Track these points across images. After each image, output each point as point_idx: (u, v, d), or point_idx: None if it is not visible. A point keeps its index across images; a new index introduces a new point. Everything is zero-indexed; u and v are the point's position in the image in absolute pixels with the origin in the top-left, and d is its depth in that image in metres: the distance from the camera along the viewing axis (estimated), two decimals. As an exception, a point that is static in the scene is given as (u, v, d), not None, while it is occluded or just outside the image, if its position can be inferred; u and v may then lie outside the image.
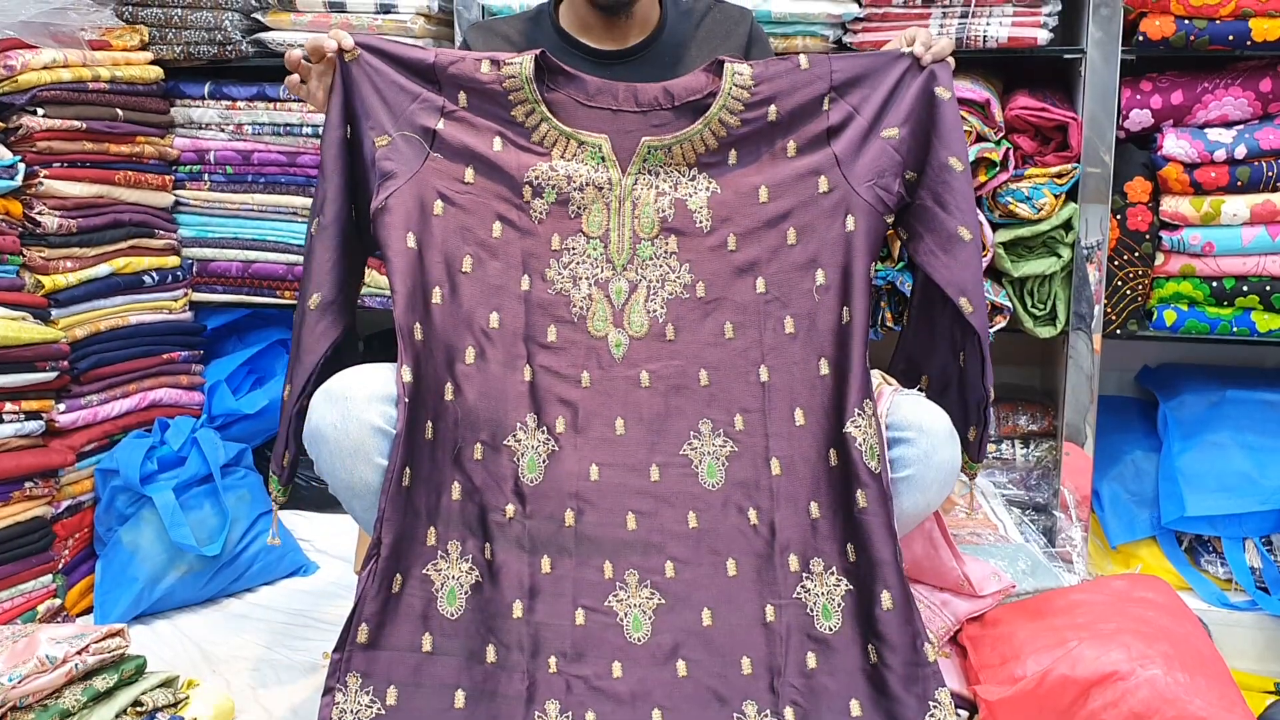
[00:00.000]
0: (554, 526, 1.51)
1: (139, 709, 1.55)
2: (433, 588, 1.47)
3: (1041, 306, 2.06)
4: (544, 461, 1.52)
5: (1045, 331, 2.06)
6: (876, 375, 1.66)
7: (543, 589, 1.49)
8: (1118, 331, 2.07)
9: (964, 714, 1.65)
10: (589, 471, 1.53)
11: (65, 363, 1.99)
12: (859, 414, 1.51)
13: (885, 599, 1.47)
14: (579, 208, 1.56)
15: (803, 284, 1.58)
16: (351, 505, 1.53)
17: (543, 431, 1.53)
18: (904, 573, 1.48)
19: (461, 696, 1.42)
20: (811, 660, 1.49)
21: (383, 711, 1.39)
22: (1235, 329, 2.02)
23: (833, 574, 1.51)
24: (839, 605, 1.50)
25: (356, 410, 1.46)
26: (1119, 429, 2.29)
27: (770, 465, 1.55)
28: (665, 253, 1.58)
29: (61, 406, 2.02)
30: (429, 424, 1.49)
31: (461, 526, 1.49)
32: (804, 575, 1.52)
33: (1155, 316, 2.05)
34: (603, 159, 1.57)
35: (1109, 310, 2.05)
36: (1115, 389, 2.43)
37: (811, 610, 1.50)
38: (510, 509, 1.50)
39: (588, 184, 1.56)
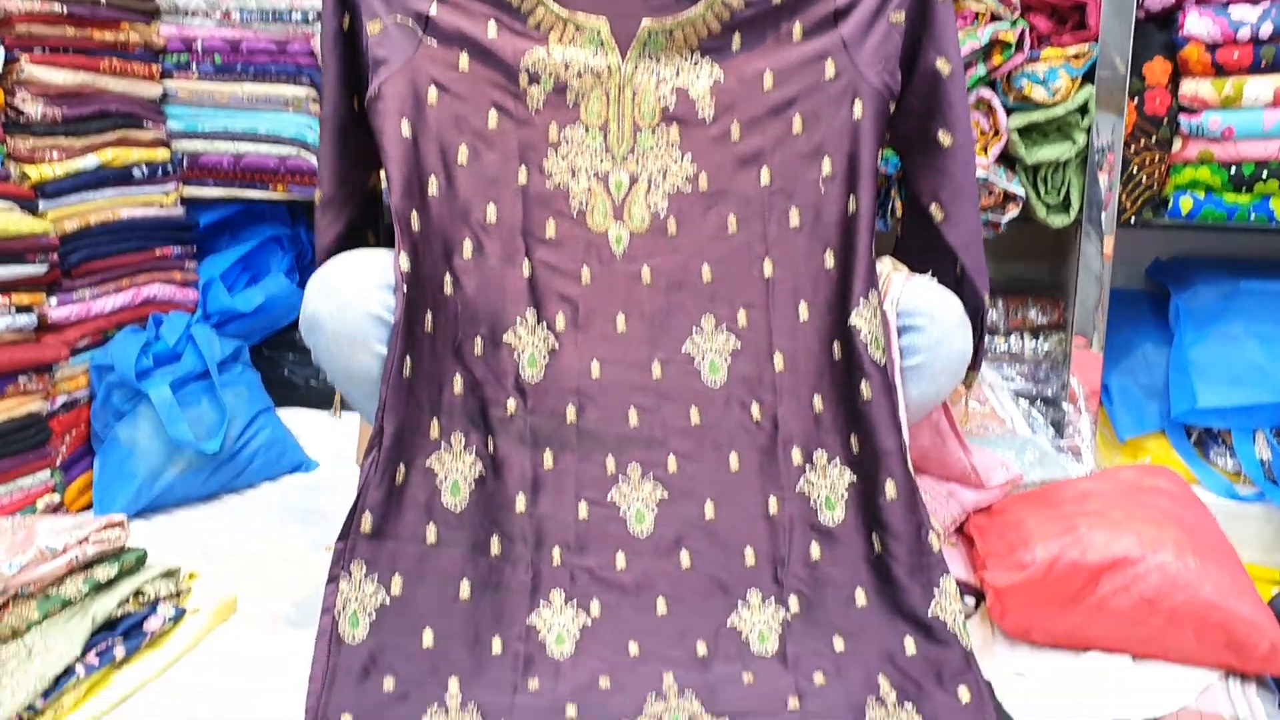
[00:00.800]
0: (555, 422, 1.49)
1: (140, 599, 1.54)
2: (436, 480, 1.45)
3: (1055, 194, 2.01)
4: (544, 358, 1.50)
5: (1058, 220, 2.02)
6: (887, 261, 1.64)
7: (545, 483, 1.48)
8: (1132, 220, 2.03)
9: (970, 601, 1.65)
10: (590, 368, 1.51)
11: (55, 256, 1.95)
12: (863, 305, 1.49)
13: (889, 489, 1.46)
14: (577, 96, 1.51)
15: (808, 174, 1.54)
16: (350, 394, 1.51)
17: (543, 327, 1.51)
18: (909, 463, 1.47)
19: (467, 587, 1.42)
20: (815, 551, 1.48)
21: (388, 601, 1.38)
22: (1253, 216, 1.98)
23: (836, 466, 1.50)
24: (842, 497, 1.49)
25: (353, 297, 1.43)
26: (1129, 322, 2.25)
27: (774, 360, 1.53)
28: (666, 143, 1.53)
29: (53, 301, 1.98)
30: (428, 315, 1.47)
31: (464, 420, 1.48)
32: (806, 468, 1.51)
33: (1171, 204, 2.00)
34: (601, 43, 1.51)
35: (1123, 198, 2.00)
36: (1126, 282, 2.40)
37: (815, 503, 1.50)
38: (512, 404, 1.48)
39: (586, 70, 1.51)
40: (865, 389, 1.48)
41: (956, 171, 1.56)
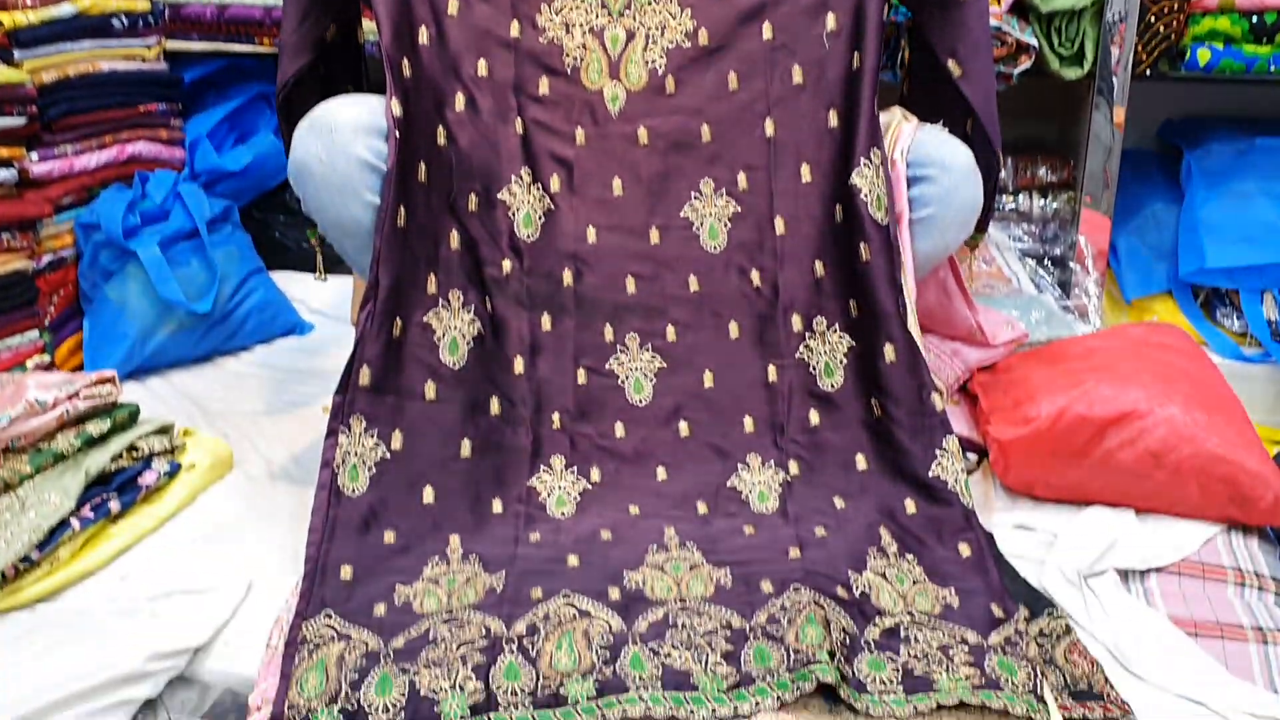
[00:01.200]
0: (552, 286, 1.47)
1: (134, 454, 1.52)
2: (434, 335, 1.42)
3: (1069, 45, 1.95)
4: (540, 218, 1.47)
5: (1071, 73, 1.96)
6: (896, 111, 1.59)
7: (544, 346, 1.46)
8: (1148, 73, 1.96)
9: (973, 458, 1.64)
10: (586, 233, 1.48)
11: (34, 108, 1.88)
12: (865, 164, 1.45)
13: (888, 352, 1.44)
14: None
15: (811, 29, 1.49)
16: (342, 244, 1.47)
17: (538, 188, 1.47)
18: (908, 325, 1.44)
19: (467, 446, 1.40)
20: (814, 417, 1.47)
21: (387, 455, 1.36)
22: (1273, 68, 1.91)
23: (835, 331, 1.48)
24: (841, 362, 1.47)
25: (343, 143, 1.39)
26: (1139, 182, 2.21)
27: (774, 224, 1.50)
28: None
29: (34, 156, 1.92)
30: (422, 165, 1.43)
31: (461, 277, 1.45)
32: (806, 334, 1.49)
33: (1188, 56, 1.93)
34: None
35: (1139, 50, 1.94)
36: (1137, 142, 2.34)
37: (814, 369, 1.48)
38: (508, 265, 1.46)
39: None
40: (864, 250, 1.45)
41: (974, 25, 1.50)
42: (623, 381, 1.48)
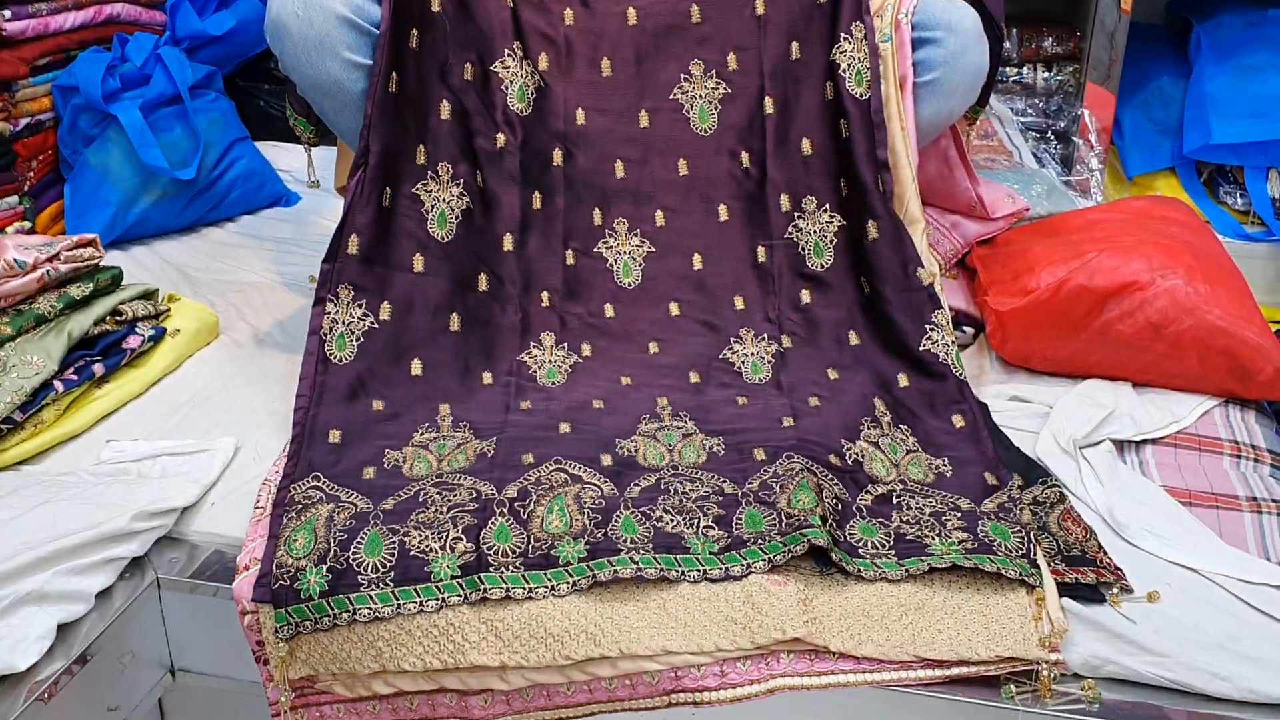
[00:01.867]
0: (542, 164, 1.45)
1: (118, 318, 1.49)
2: (422, 208, 1.40)
3: (1079, -91, 1.88)
4: (532, 94, 1.44)
5: (1081, -62, 1.89)
6: (900, -30, 1.53)
7: (533, 224, 1.45)
8: (1160, -62, 1.91)
9: (969, 331, 1.62)
10: (575, 114, 1.46)
11: (4, -38, 1.82)
12: (845, 38, 1.44)
13: (871, 229, 1.43)
14: None
15: None
16: (321, 105, 1.43)
17: (529, 64, 1.44)
18: (890, 201, 1.43)
19: (456, 320, 1.38)
20: (805, 296, 1.46)
21: (376, 325, 1.34)
22: (1290, -67, 1.86)
23: (825, 210, 1.47)
24: (831, 242, 1.46)
25: None
26: (1147, 56, 2.16)
27: (764, 105, 1.48)
28: None
29: (7, 14, 1.85)
30: (414, 31, 1.39)
31: (453, 148, 1.42)
32: (795, 214, 1.48)
33: (1204, -80, 1.88)
34: None
35: (1152, -88, 1.87)
36: (1146, 16, 2.27)
37: (804, 249, 1.47)
38: (501, 138, 1.43)
39: None
40: (843, 127, 1.44)
41: None
42: (611, 265, 1.47)
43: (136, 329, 1.50)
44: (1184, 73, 2.08)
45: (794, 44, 1.48)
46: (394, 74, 1.37)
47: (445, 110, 1.42)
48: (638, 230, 1.48)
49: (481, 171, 1.44)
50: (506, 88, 1.44)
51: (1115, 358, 1.48)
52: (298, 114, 1.58)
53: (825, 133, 1.48)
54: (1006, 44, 2.07)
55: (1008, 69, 2.07)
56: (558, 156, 1.46)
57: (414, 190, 1.40)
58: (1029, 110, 2.06)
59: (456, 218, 1.42)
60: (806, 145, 1.48)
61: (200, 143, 1.98)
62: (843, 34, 1.45)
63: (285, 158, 2.24)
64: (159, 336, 1.52)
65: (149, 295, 1.55)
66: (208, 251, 1.96)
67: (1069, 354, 1.50)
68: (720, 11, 1.48)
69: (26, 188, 1.90)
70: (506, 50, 1.44)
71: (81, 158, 1.93)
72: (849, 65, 1.45)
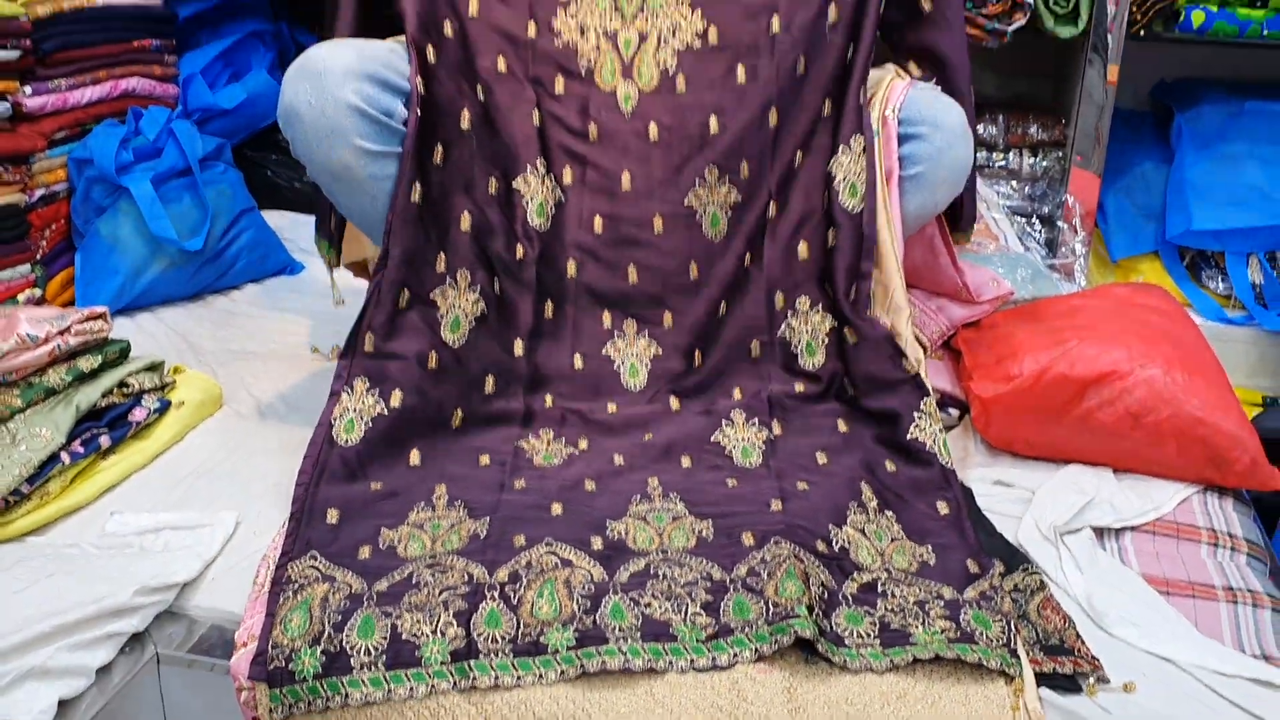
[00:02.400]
0: (557, 274, 1.51)
1: (125, 390, 1.53)
2: (438, 312, 1.46)
3: (1064, 4, 1.94)
4: (551, 209, 1.50)
5: (1066, 31, 1.95)
6: (890, 69, 1.60)
7: (545, 331, 1.51)
8: (1141, 34, 1.96)
9: (955, 413, 1.66)
10: (592, 222, 1.51)
11: (28, 42, 1.87)
12: (844, 150, 1.51)
13: (849, 335, 1.50)
14: None
15: (816, 22, 1.53)
16: (331, 188, 1.48)
17: (550, 179, 1.51)
18: (867, 308, 1.50)
19: (459, 416, 1.44)
20: (798, 387, 1.52)
21: (385, 411, 1.38)
22: (1266, 32, 1.91)
23: (817, 311, 1.54)
24: (822, 341, 1.53)
25: (332, 86, 1.39)
26: (1130, 142, 2.21)
27: (768, 209, 1.54)
28: (676, 1, 1.52)
29: (28, 90, 1.91)
30: (439, 146, 1.46)
31: (471, 257, 1.48)
32: (789, 313, 1.55)
33: (1182, 17, 1.93)
34: None
35: (1134, 10, 1.93)
36: (1130, 102, 2.34)
37: (795, 347, 1.54)
38: (520, 250, 1.49)
39: None
40: (831, 236, 1.51)
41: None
42: (618, 366, 1.53)
43: (143, 401, 1.54)
44: (1166, 159, 2.14)
45: (799, 152, 1.55)
46: (417, 184, 1.44)
47: (466, 222, 1.48)
48: (645, 331, 1.54)
49: (498, 280, 1.50)
50: (527, 204, 1.49)
51: (1096, 444, 1.52)
52: (324, 238, 1.64)
53: (819, 240, 1.54)
54: (993, 129, 2.12)
55: (994, 154, 2.13)
56: (572, 268, 1.51)
57: (432, 295, 1.46)
58: (1015, 195, 2.11)
59: (470, 323, 1.48)
60: (804, 249, 1.55)
61: (208, 213, 2.03)
62: (842, 145, 1.52)
63: (291, 227, 2.29)
64: (164, 409, 1.55)
65: (155, 367, 1.59)
66: (213, 320, 2.00)
67: (1051, 440, 1.54)
68: (737, 122, 1.54)
69: (38, 256, 1.95)
70: (530, 166, 1.50)
71: (93, 227, 1.98)
72: (844, 178, 1.51)
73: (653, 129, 1.53)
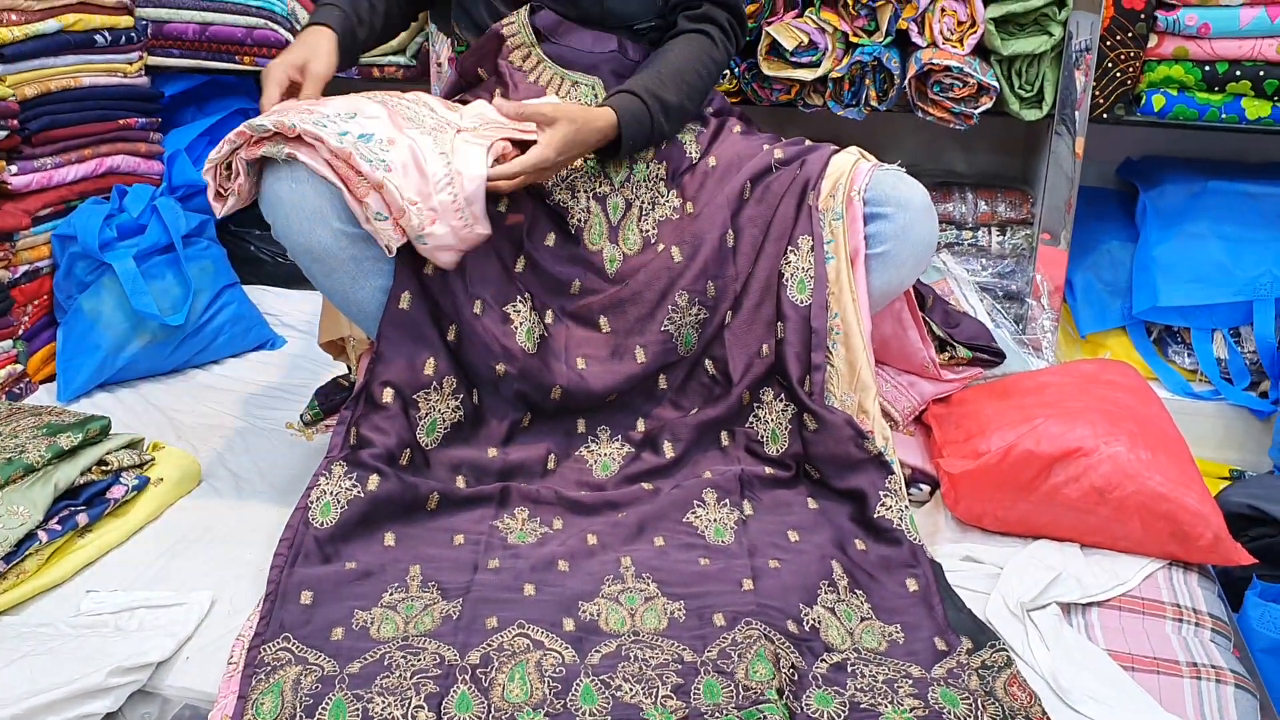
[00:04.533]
0: (540, 393, 1.55)
1: (104, 468, 1.54)
2: (418, 413, 1.49)
3: (1029, 88, 2.00)
4: (538, 338, 1.54)
5: (1031, 114, 2.01)
6: (854, 152, 1.66)
7: (518, 439, 1.56)
8: (1104, 116, 2.02)
9: (925, 488, 1.68)
10: (575, 362, 1.57)
11: (15, 121, 1.91)
12: (792, 251, 1.59)
13: (809, 421, 1.55)
14: None
15: (784, 174, 1.63)
16: (312, 271, 1.50)
17: (535, 314, 1.55)
18: (823, 393, 1.57)
19: (435, 499, 1.46)
20: (766, 470, 1.57)
21: (361, 494, 1.40)
22: (1224, 115, 1.97)
23: (780, 400, 1.59)
24: (786, 428, 1.58)
25: (311, 171, 1.42)
26: (1097, 219, 2.26)
27: (728, 315, 1.61)
28: (655, 178, 1.62)
29: (14, 169, 1.94)
30: (429, 261, 1.49)
31: (457, 367, 1.52)
32: (755, 405, 1.60)
33: (1144, 101, 1.99)
34: (596, 96, 1.59)
35: (1097, 93, 1.99)
36: (1096, 180, 2.40)
37: (761, 435, 1.60)
38: (501, 367, 1.53)
39: None
40: (779, 329, 1.58)
41: None
42: (590, 465, 1.57)
43: (121, 478, 1.55)
44: (1131, 237, 2.19)
45: (757, 264, 1.62)
46: (406, 293, 1.48)
47: (453, 333, 1.52)
48: (619, 436, 1.59)
49: (479, 391, 1.54)
50: (516, 328, 1.53)
51: (1063, 520, 1.54)
52: (319, 405, 1.70)
53: (774, 335, 1.60)
54: (962, 207, 2.18)
55: (963, 232, 2.18)
56: (555, 392, 1.55)
57: (415, 397, 1.49)
58: (984, 271, 2.16)
59: (445, 428, 1.52)
60: (765, 348, 1.60)
61: (190, 290, 2.05)
62: (790, 247, 1.59)
63: (272, 301, 2.31)
64: (142, 485, 1.57)
65: (135, 444, 1.61)
66: (192, 395, 2.02)
67: (1019, 515, 1.56)
68: (703, 250, 1.60)
69: (20, 332, 1.97)
70: (519, 297, 1.55)
71: (75, 303, 2.00)
72: (792, 275, 1.58)
73: (631, 283, 1.60)
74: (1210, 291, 2.02)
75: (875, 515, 1.45)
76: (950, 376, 1.78)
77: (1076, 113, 1.98)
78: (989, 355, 1.83)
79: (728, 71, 2.08)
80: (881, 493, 1.46)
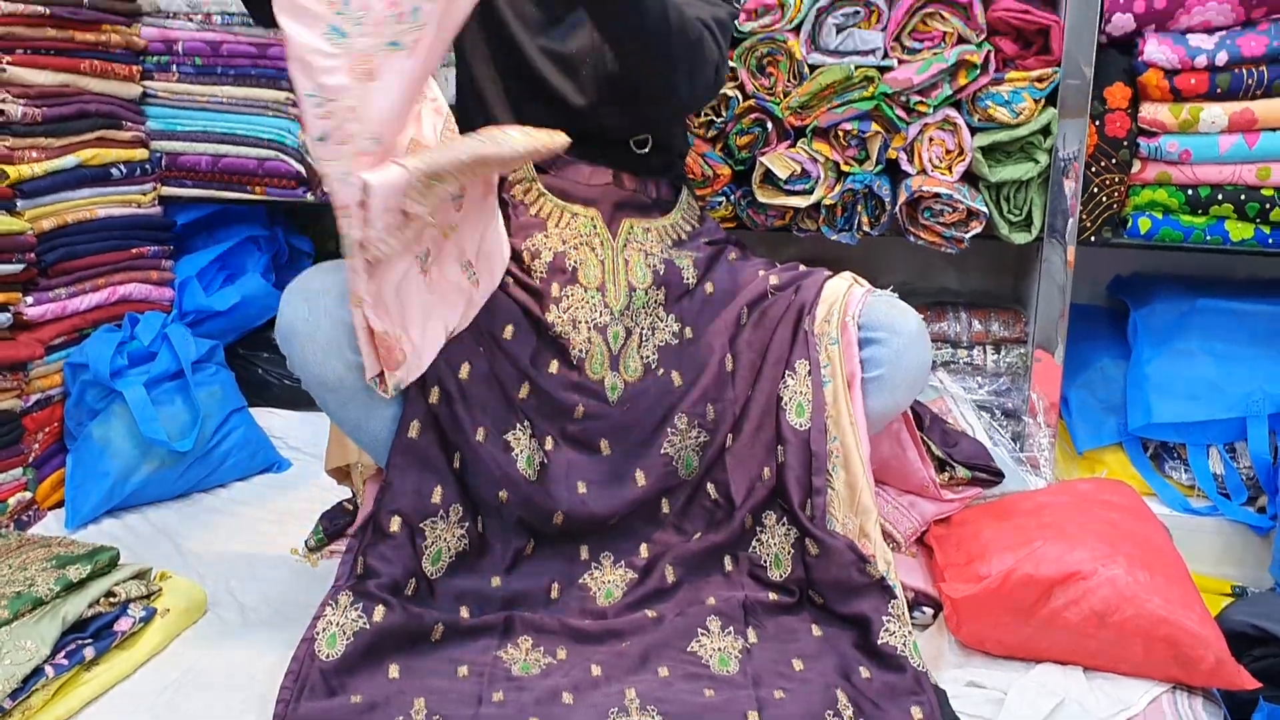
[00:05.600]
0: (541, 519, 1.58)
1: (112, 599, 1.55)
2: (424, 542, 1.51)
3: (1017, 212, 2.06)
4: (538, 465, 1.58)
5: (1020, 237, 2.06)
6: (848, 277, 1.70)
7: (522, 568, 1.58)
8: (1092, 239, 2.07)
9: (929, 611, 1.69)
10: (576, 486, 1.59)
11: (32, 255, 1.96)
12: (790, 375, 1.63)
13: (810, 546, 1.57)
14: (575, 264, 1.63)
15: (780, 300, 1.69)
16: (325, 401, 1.54)
17: (535, 441, 1.59)
18: (825, 518, 1.58)
19: (439, 630, 1.47)
20: (771, 596, 1.58)
21: (367, 625, 1.41)
22: (1208, 238, 2.02)
23: (783, 525, 1.61)
24: (789, 553, 1.60)
25: (328, 305, 1.47)
26: (1090, 337, 2.30)
27: (728, 438, 1.65)
28: (654, 303, 1.66)
29: (29, 300, 1.99)
30: (435, 389, 1.53)
31: (463, 494, 1.55)
32: (757, 529, 1.62)
33: (1130, 224, 2.04)
34: (595, 228, 1.65)
35: (1084, 217, 2.05)
36: (1087, 297, 2.44)
37: (764, 560, 1.61)
38: (504, 494, 1.56)
39: (582, 244, 1.64)
40: (780, 452, 1.60)
41: None
42: (594, 592, 1.58)
43: (128, 610, 1.56)
44: (1124, 353, 2.22)
45: (755, 387, 1.65)
46: (416, 422, 1.51)
47: (458, 461, 1.55)
48: (623, 563, 1.60)
49: (483, 518, 1.57)
50: (516, 456, 1.56)
51: (1065, 644, 1.55)
52: (324, 531, 1.77)
53: (775, 459, 1.62)
54: (956, 326, 2.22)
55: (958, 350, 2.22)
56: (558, 517, 1.57)
57: (422, 526, 1.51)
58: (980, 389, 2.19)
59: (451, 557, 1.54)
60: (766, 472, 1.62)
61: (199, 416, 2.08)
62: (788, 371, 1.63)
63: (279, 424, 2.34)
64: (149, 617, 1.57)
65: (142, 575, 1.62)
66: (199, 520, 2.03)
67: (1022, 639, 1.57)
68: (702, 374, 1.65)
69: (30, 459, 1.99)
70: (519, 424, 1.58)
71: (85, 430, 2.03)
72: (790, 398, 1.61)
73: (633, 408, 1.64)
74: (1203, 408, 2.04)
75: (879, 642, 1.45)
76: (950, 496, 1.80)
77: (1070, 220, 2.03)
78: (988, 475, 1.85)
79: (724, 199, 2.14)
80: (885, 618, 1.47)
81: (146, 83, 2.31)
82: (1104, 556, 1.54)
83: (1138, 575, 1.53)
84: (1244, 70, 1.92)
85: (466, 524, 1.55)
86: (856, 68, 1.98)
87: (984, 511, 1.79)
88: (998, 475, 1.85)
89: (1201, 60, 1.91)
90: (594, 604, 1.56)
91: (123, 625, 1.54)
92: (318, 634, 1.38)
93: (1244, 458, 2.04)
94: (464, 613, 1.51)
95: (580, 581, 1.58)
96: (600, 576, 1.59)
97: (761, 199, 2.07)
